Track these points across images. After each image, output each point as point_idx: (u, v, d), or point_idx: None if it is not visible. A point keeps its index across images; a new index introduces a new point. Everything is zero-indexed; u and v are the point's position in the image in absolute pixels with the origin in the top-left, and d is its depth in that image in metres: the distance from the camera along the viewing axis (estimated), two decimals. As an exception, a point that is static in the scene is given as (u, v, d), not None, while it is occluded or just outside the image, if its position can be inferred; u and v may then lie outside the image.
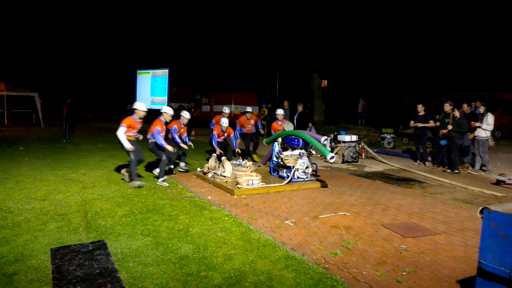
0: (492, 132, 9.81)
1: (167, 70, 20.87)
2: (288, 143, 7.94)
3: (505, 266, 2.66)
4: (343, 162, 10.91)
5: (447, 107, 9.70)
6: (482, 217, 2.88)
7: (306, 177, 7.48)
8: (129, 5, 34.04)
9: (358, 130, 18.43)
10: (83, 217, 5.27)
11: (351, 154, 11.07)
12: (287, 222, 5.21)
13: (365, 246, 4.37)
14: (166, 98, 20.22)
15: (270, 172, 8.30)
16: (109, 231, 4.75)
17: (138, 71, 22.65)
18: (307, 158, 7.61)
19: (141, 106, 7.29)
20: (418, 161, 10.80)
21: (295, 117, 12.86)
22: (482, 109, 9.78)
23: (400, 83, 25.93)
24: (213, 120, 10.32)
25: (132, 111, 7.30)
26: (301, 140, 7.64)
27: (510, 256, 2.65)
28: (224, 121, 8.98)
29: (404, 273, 3.68)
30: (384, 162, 11.01)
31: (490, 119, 9.38)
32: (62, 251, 4.08)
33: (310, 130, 13.58)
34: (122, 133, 6.91)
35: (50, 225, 4.90)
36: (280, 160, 7.68)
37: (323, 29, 18.72)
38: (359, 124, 21.91)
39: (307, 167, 7.47)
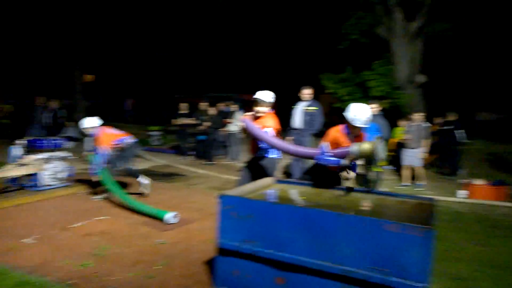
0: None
1: None
2: (33, 144, 6.86)
3: (236, 241, 3.04)
4: (107, 162, 10.36)
5: (203, 106, 10.68)
6: (219, 202, 3.20)
7: (58, 184, 6.64)
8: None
9: (126, 128, 17.97)
10: None
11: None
12: (25, 240, 4.38)
13: (121, 248, 4.21)
14: None
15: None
16: None
17: None
18: (60, 161, 6.77)
19: None
20: (182, 156, 11.43)
21: (47, 115, 11.41)
22: (233, 108, 11.30)
23: (167, 81, 26.83)
24: None
25: None
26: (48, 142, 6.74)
27: (240, 231, 3.04)
28: None
29: (157, 267, 3.73)
30: (151, 159, 11.11)
31: (238, 115, 10.87)
32: None
33: (68, 129, 12.38)
34: None
35: None
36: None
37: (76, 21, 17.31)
38: (127, 122, 21.45)
39: (58, 172, 6.64)
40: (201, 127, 10.41)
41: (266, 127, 4.30)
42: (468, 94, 20.54)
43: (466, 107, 19.64)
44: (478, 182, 7.65)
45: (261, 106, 4.44)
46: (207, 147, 10.57)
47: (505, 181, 7.83)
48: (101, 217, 5.31)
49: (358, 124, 3.75)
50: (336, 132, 3.93)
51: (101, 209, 5.72)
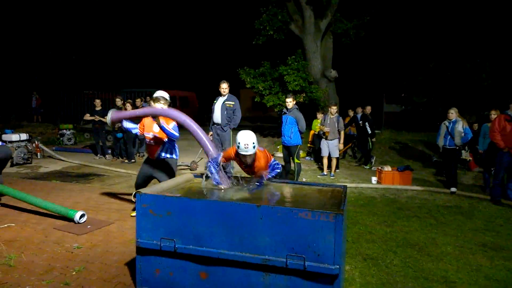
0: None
1: None
2: None
3: (156, 239, 3.00)
4: (12, 165, 9.41)
5: (119, 102, 10.18)
6: (135, 200, 3.12)
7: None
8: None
9: (33, 127, 16.47)
10: None
11: (22, 155, 9.71)
12: None
13: (32, 256, 3.89)
14: None
15: None
16: None
17: None
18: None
19: None
20: (98, 155, 10.80)
21: None
22: (152, 104, 10.89)
23: (77, 77, 25.02)
24: None
25: None
26: None
27: (159, 229, 3.00)
28: None
29: (74, 273, 3.53)
30: (63, 160, 10.33)
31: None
32: None
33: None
34: None
35: None
36: None
37: None
38: (35, 121, 19.62)
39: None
40: (118, 124, 9.93)
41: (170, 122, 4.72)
42: (376, 87, 22.41)
43: (374, 100, 21.43)
44: (387, 168, 8.41)
45: (161, 103, 4.89)
46: (127, 144, 10.13)
47: (410, 167, 8.73)
48: (7, 225, 4.85)
49: (242, 152, 3.59)
50: (231, 152, 3.88)
51: (5, 217, 5.20)
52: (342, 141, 9.12)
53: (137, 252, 3.12)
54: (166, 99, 4.98)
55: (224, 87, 7.46)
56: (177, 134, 4.74)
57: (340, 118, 9.10)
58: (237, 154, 3.69)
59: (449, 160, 7.75)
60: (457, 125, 7.52)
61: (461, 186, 8.11)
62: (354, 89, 22.99)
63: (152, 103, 4.99)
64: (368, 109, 10.84)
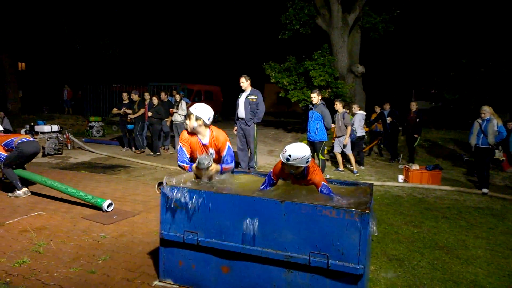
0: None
1: None
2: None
3: (180, 231, 3.02)
4: (44, 155, 9.74)
5: (135, 96, 10.43)
6: (160, 192, 3.15)
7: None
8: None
9: (64, 119, 17.01)
10: None
11: (53, 146, 10.04)
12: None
13: (60, 245, 4.01)
14: None
15: None
16: None
17: None
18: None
19: None
20: (125, 147, 11.03)
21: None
22: (178, 97, 11.00)
23: (107, 71, 25.61)
24: None
25: None
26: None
27: (182, 222, 3.02)
28: None
29: (100, 261, 3.61)
30: (91, 151, 10.61)
31: (184, 105, 10.64)
32: None
33: (2, 121, 11.41)
34: None
35: None
36: None
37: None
38: (65, 113, 20.24)
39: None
40: (131, 116, 10.28)
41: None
42: (405, 83, 21.81)
43: (403, 96, 20.87)
44: (415, 167, 8.18)
45: (199, 123, 3.64)
46: (152, 137, 10.30)
47: (440, 166, 8.45)
48: (37, 213, 5.02)
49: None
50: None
51: (36, 205, 5.39)
52: (347, 136, 8.72)
53: (160, 244, 3.16)
54: (203, 120, 3.63)
55: (241, 81, 7.46)
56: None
57: (346, 114, 8.79)
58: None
59: (481, 159, 7.45)
60: (491, 123, 7.21)
61: (493, 187, 7.79)
62: (382, 85, 22.48)
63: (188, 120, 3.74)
64: (387, 106, 10.57)
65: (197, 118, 3.58)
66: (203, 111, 3.62)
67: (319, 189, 3.39)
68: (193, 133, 3.68)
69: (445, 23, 18.78)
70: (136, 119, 10.31)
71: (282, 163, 3.37)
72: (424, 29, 19.83)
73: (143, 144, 10.58)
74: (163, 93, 11.15)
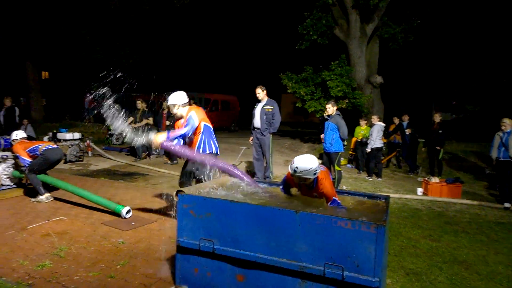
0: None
1: None
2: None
3: (196, 239, 3.07)
4: (65, 162, 10.00)
5: (140, 104, 10.64)
6: (177, 200, 3.21)
7: (11, 184, 6.37)
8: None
9: (86, 127, 17.40)
10: None
11: (75, 153, 10.30)
12: (-21, 242, 4.25)
13: (80, 249, 4.12)
14: None
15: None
16: None
17: None
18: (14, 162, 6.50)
19: None
20: (143, 154, 11.21)
21: (1, 113, 10.81)
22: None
23: (127, 80, 26.12)
24: None
25: None
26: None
27: (199, 230, 3.07)
28: None
29: (118, 267, 3.69)
30: (111, 159, 10.84)
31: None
32: None
33: (26, 128, 11.77)
34: None
35: None
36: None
37: (34, 14, 16.51)
38: (87, 121, 20.72)
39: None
40: (133, 125, 10.37)
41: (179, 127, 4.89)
42: (425, 95, 21.51)
43: (423, 108, 20.57)
44: (434, 180, 8.03)
45: (177, 108, 4.96)
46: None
47: (460, 179, 8.26)
48: (59, 218, 5.16)
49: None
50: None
51: (58, 210, 5.55)
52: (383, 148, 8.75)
53: (177, 251, 3.21)
54: (176, 104, 4.98)
55: (257, 92, 7.55)
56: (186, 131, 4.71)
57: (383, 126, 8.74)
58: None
59: (503, 173, 7.28)
60: (511, 136, 7.06)
61: (516, 202, 7.57)
62: (401, 96, 22.23)
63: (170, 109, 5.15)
64: (405, 117, 10.50)
65: (173, 105, 4.83)
66: (174, 97, 4.89)
67: (329, 203, 3.39)
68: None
69: (467, 33, 18.51)
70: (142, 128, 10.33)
71: (291, 174, 3.40)
72: (445, 39, 19.58)
73: (140, 154, 10.73)
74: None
